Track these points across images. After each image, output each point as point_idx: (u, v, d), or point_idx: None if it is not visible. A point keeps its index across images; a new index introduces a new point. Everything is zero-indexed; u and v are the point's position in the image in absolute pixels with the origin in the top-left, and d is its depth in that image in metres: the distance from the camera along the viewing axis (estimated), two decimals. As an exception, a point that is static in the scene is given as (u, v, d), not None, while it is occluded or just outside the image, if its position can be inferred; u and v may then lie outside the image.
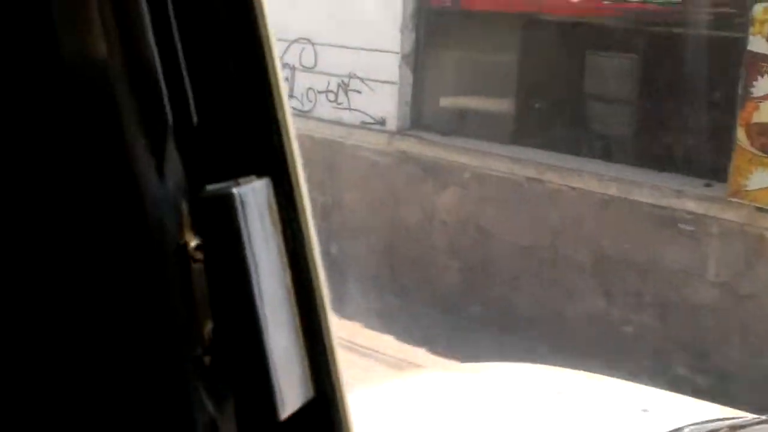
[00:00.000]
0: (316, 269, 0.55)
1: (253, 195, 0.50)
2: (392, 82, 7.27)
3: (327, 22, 7.61)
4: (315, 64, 7.83)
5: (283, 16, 8.00)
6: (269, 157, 0.52)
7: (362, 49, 7.35)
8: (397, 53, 7.19)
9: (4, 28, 0.43)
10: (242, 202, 0.48)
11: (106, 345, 0.46)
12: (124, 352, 0.46)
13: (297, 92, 8.01)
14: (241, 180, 0.49)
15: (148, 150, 0.46)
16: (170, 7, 0.47)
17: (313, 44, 7.80)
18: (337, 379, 0.54)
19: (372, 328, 6.60)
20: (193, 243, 0.48)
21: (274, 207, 0.51)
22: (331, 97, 7.74)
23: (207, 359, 0.48)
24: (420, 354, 6.28)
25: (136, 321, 0.46)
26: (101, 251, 0.45)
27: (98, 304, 0.46)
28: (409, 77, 7.29)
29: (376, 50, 7.28)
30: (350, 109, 7.61)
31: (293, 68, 8.01)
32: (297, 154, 0.53)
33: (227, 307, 0.48)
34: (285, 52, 8.01)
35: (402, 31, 7.16)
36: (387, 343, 6.42)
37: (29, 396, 0.46)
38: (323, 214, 7.82)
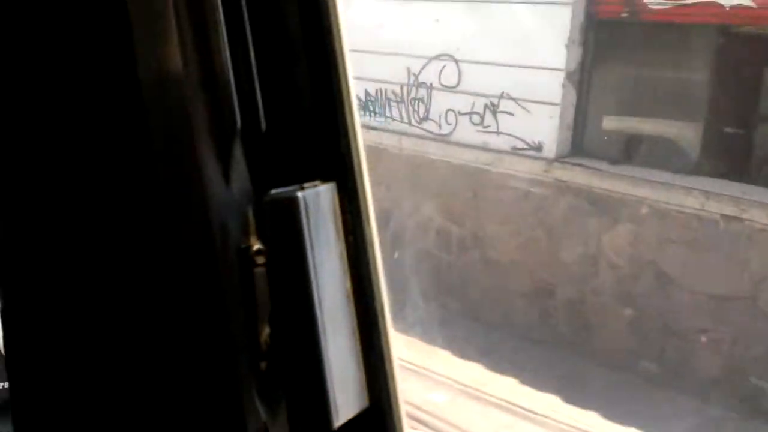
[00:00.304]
0: (377, 277, 0.53)
1: (318, 200, 0.50)
2: (552, 103, 6.41)
3: (474, 36, 6.81)
4: (458, 83, 7.02)
5: (423, 30, 7.26)
6: (335, 163, 0.52)
7: (517, 65, 6.52)
8: (561, 70, 6.34)
9: (84, 34, 0.45)
10: (306, 207, 0.48)
11: (166, 345, 0.47)
12: (183, 353, 0.46)
13: (434, 114, 7.21)
14: (306, 185, 0.49)
15: (216, 154, 0.47)
16: (245, 15, 0.48)
17: (456, 61, 7.00)
18: (393, 389, 0.53)
19: (530, 384, 5.67)
20: (256, 247, 0.48)
21: (338, 212, 0.51)
22: (476, 119, 6.91)
23: (263, 364, 0.48)
24: (592, 418, 5.32)
25: (197, 322, 0.46)
26: (167, 253, 0.46)
27: (161, 305, 0.47)
28: (573, 97, 6.42)
29: (535, 67, 6.43)
30: (499, 132, 6.76)
31: (430, 87, 7.23)
32: (363, 160, 0.52)
33: (286, 312, 0.48)
34: (422, 69, 7.24)
35: (568, 46, 6.31)
36: (552, 404, 5.47)
37: (93, 391, 0.47)
38: (460, 249, 6.96)
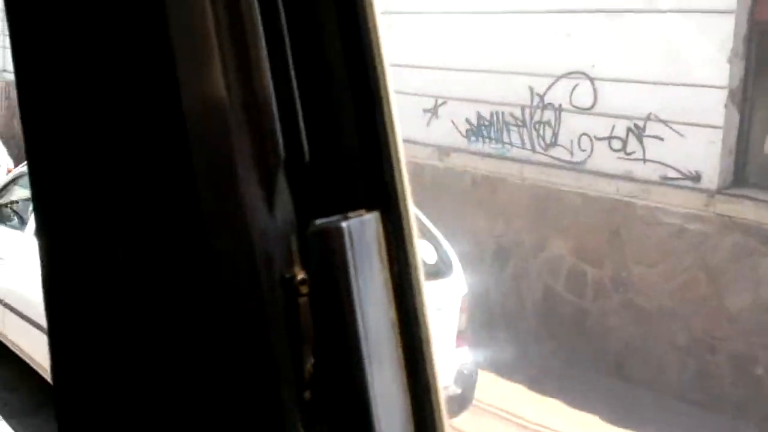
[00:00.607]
0: (422, 306, 0.52)
1: (362, 229, 0.50)
2: (713, 126, 5.55)
3: (615, 51, 6.00)
4: (593, 104, 6.20)
5: (550, 46, 6.49)
6: (379, 192, 0.51)
7: (667, 83, 5.68)
8: (722, 88, 5.49)
9: (124, 64, 0.46)
10: (351, 236, 0.48)
11: (210, 374, 0.47)
12: (227, 382, 0.47)
13: (563, 139, 6.39)
14: (350, 214, 0.49)
15: (260, 184, 0.47)
16: (287, 43, 0.49)
17: (591, 79, 6.19)
18: (440, 420, 0.53)
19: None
20: (300, 276, 0.48)
21: (383, 242, 0.51)
22: (617, 144, 6.08)
23: (307, 394, 0.48)
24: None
25: (241, 352, 0.47)
26: (210, 283, 0.47)
27: (206, 334, 0.47)
28: (735, 118, 5.56)
29: (690, 84, 5.59)
30: (645, 160, 5.91)
31: (559, 109, 6.43)
32: (407, 189, 0.51)
33: (331, 342, 0.48)
34: (548, 89, 6.45)
35: (731, 60, 5.46)
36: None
37: (135, 421, 0.48)
38: (597, 293, 6.11)
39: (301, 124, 0.49)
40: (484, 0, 6.91)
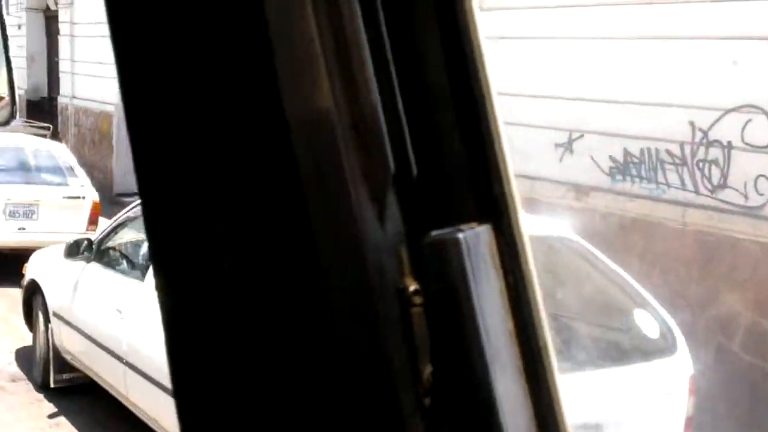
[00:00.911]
0: (538, 316, 0.52)
1: (477, 241, 0.50)
2: None
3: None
4: (773, 141, 5.51)
5: (714, 75, 5.82)
6: (490, 205, 0.52)
7: None
8: None
9: (233, 79, 0.47)
10: (468, 247, 0.49)
11: (327, 386, 0.48)
12: (345, 392, 0.48)
13: (735, 180, 5.71)
14: (463, 226, 0.50)
15: (370, 198, 0.48)
16: (390, 60, 0.49)
17: (766, 113, 5.50)
18: (564, 427, 0.53)
19: None
20: (413, 287, 0.49)
21: (496, 253, 0.52)
22: (805, 187, 5.38)
23: (426, 400, 0.49)
24: None
25: (357, 361, 0.48)
26: (323, 295, 0.48)
27: (320, 346, 0.48)
28: None
29: None
30: (842, 205, 5.21)
31: (728, 146, 5.74)
32: (518, 202, 0.52)
33: (453, 351, 0.49)
34: (714, 124, 5.78)
35: None
36: None
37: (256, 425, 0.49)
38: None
39: (408, 140, 0.49)
40: (627, 26, 6.26)
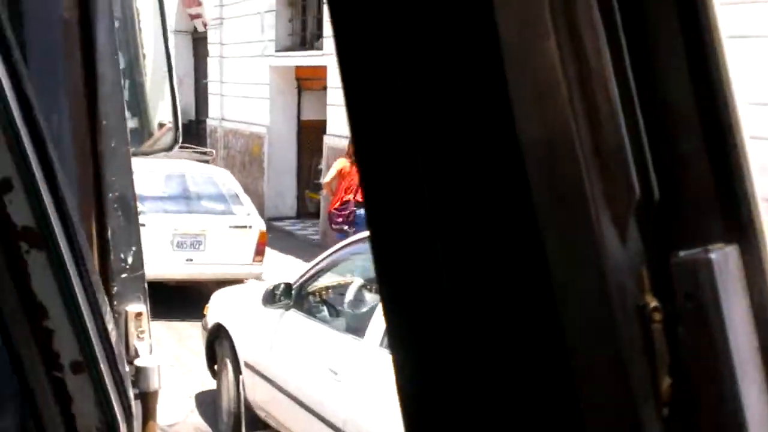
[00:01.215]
0: None
1: (725, 261, 0.52)
2: None
3: None
4: None
5: None
6: (736, 225, 0.52)
7: None
8: None
9: (470, 104, 0.48)
10: (719, 268, 0.51)
11: (566, 396, 0.50)
12: (582, 399, 0.50)
13: None
14: (710, 247, 0.51)
15: (612, 220, 0.49)
16: (631, 79, 0.50)
17: None
18: None
19: None
20: (653, 304, 0.50)
21: (742, 274, 0.53)
22: None
23: (665, 411, 0.51)
24: None
25: (596, 371, 0.50)
26: (558, 308, 0.49)
27: (554, 354, 0.50)
28: None
29: None
30: None
31: None
32: (764, 222, 0.53)
33: (698, 365, 0.51)
34: None
35: None
36: None
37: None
38: None
39: (650, 163, 0.50)
40: None
